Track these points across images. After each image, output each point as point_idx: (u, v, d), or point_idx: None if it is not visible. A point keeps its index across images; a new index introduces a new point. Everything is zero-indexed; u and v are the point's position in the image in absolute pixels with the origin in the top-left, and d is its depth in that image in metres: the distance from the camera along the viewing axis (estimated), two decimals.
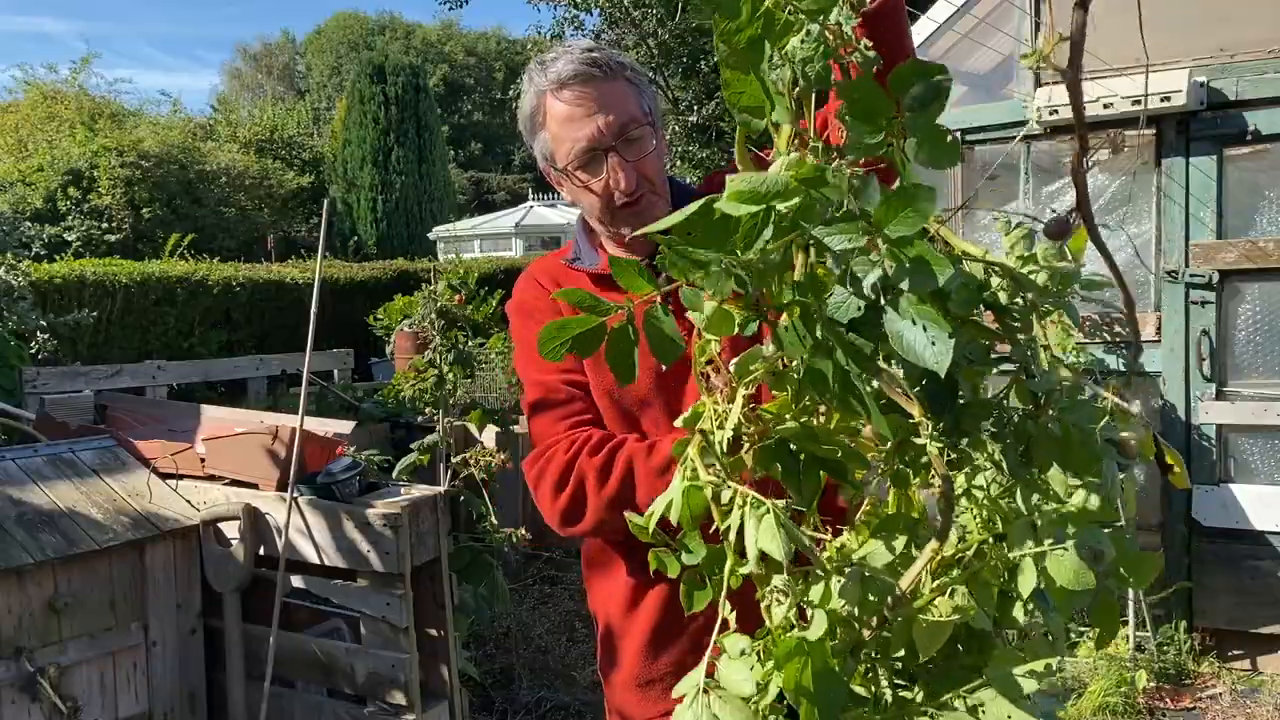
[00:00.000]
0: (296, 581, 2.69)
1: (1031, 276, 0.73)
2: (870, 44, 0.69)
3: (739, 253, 0.64)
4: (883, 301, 0.61)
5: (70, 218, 14.57)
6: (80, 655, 2.48)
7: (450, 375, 3.33)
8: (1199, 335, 3.93)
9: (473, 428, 3.78)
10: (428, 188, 21.43)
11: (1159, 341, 4.04)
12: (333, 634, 2.85)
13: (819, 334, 0.63)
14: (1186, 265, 3.96)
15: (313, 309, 2.61)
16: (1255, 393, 3.90)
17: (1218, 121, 3.91)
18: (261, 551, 2.70)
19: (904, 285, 0.59)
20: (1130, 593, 3.77)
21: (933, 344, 0.59)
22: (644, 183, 1.42)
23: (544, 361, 1.47)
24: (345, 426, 3.38)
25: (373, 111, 21.22)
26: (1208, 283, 3.92)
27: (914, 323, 0.60)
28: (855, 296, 0.60)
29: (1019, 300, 0.71)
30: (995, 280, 0.71)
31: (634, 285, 0.75)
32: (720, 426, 0.76)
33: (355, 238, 20.25)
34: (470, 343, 3.58)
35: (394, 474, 3.16)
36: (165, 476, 2.87)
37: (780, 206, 0.60)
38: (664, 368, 1.38)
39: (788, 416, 0.75)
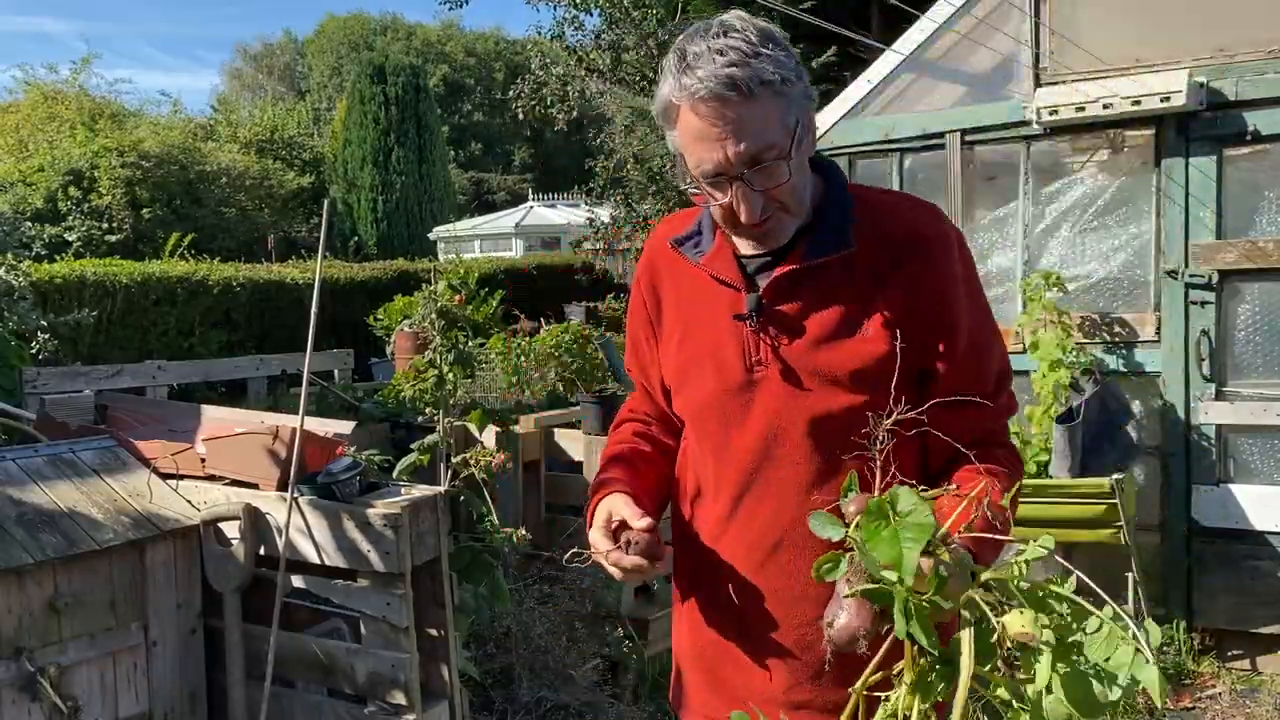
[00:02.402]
0: (297, 581, 2.69)
1: None
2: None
3: None
4: None
5: (71, 218, 14.56)
6: (80, 655, 2.48)
7: (450, 375, 3.33)
8: (1199, 335, 3.93)
9: (473, 428, 3.78)
10: (428, 188, 21.45)
11: (1159, 342, 4.04)
12: (333, 634, 2.85)
13: None
14: (1186, 265, 3.96)
15: (313, 309, 2.61)
16: (1255, 393, 3.90)
17: (1217, 121, 3.91)
18: (262, 551, 2.70)
19: None
20: (1131, 592, 3.77)
21: None
22: (771, 206, 1.32)
23: (629, 345, 1.63)
24: (345, 426, 3.37)
25: (373, 112, 21.23)
26: (1207, 283, 3.92)
27: None
28: None
29: None
30: None
31: None
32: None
33: (355, 238, 20.26)
34: (470, 343, 3.58)
35: (394, 474, 3.16)
36: (165, 476, 2.86)
37: None
38: (733, 380, 1.40)
39: None
